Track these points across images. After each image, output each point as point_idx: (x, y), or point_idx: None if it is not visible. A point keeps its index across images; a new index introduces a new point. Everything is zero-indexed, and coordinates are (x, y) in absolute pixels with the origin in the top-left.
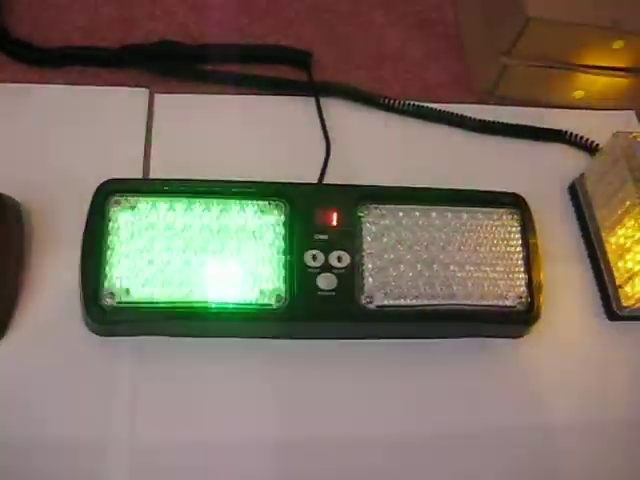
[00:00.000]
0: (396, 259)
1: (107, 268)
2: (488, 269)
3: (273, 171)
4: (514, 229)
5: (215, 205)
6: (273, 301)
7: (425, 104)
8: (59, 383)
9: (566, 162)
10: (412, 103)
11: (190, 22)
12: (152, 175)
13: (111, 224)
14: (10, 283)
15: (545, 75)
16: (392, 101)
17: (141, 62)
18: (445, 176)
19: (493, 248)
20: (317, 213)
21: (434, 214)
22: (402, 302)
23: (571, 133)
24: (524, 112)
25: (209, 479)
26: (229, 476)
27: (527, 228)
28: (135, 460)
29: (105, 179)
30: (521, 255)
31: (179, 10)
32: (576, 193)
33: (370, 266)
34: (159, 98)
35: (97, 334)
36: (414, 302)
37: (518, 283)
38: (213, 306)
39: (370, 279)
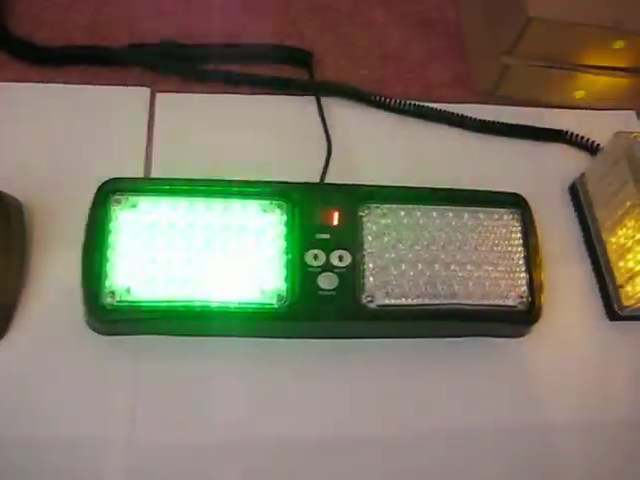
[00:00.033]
0: (397, 258)
1: (108, 267)
2: (489, 269)
3: (274, 170)
4: (515, 229)
5: (216, 204)
6: (274, 300)
7: (426, 104)
8: (60, 382)
9: (567, 162)
10: (413, 103)
11: (191, 22)
12: (153, 174)
13: (112, 223)
14: (12, 282)
15: (546, 75)
16: (393, 101)
17: (143, 61)
18: (446, 176)
19: (494, 248)
20: (318, 212)
21: (435, 214)
22: (403, 301)
23: (572, 133)
24: (525, 112)
25: (210, 479)
26: (230, 476)
27: (528, 228)
28: (136, 458)
29: (106, 178)
30: (522, 255)
31: (180, 10)
32: (577, 193)
33: (371, 265)
34: (160, 97)
35: (98, 333)
36: (415, 301)
37: (519, 283)
38: (214, 305)
39: (371, 278)
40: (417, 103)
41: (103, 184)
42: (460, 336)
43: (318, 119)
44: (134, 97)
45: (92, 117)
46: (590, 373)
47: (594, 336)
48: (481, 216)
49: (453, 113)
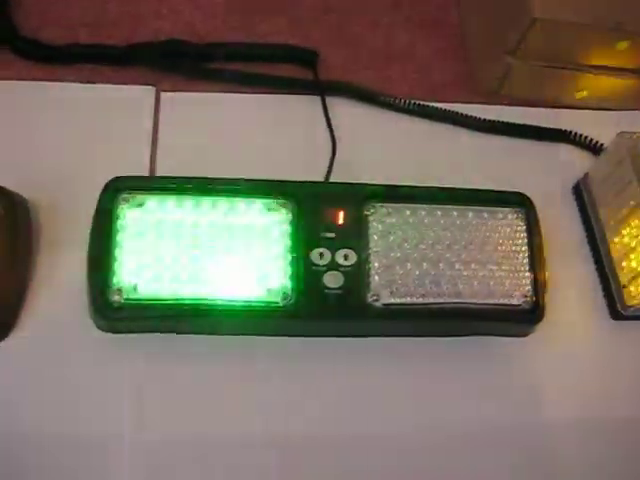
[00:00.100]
0: (402, 257)
1: (115, 265)
2: (494, 268)
3: (279, 169)
4: (519, 228)
5: (222, 203)
6: (280, 299)
7: (430, 104)
8: (66, 380)
9: (570, 162)
10: (417, 103)
11: (196, 21)
12: (158, 173)
13: (119, 221)
14: (18, 280)
15: (550, 75)
16: (398, 100)
17: (148, 60)
18: (450, 175)
19: (498, 247)
20: (324, 211)
21: (440, 213)
22: (408, 300)
23: (575, 133)
24: (529, 112)
25: (215, 477)
26: (235, 474)
27: (532, 227)
28: (141, 456)
29: (111, 176)
30: (526, 254)
31: (185, 9)
32: (580, 193)
33: (376, 264)
34: (166, 96)
35: (104, 331)
36: (420, 300)
37: (523, 282)
38: (220, 303)
39: (376, 277)
40: (422, 103)
41: (109, 182)
42: (464, 335)
43: (323, 118)
44: (139, 96)
45: (97, 116)
46: (593, 372)
47: (597, 335)
48: (486, 215)
49: (457, 113)
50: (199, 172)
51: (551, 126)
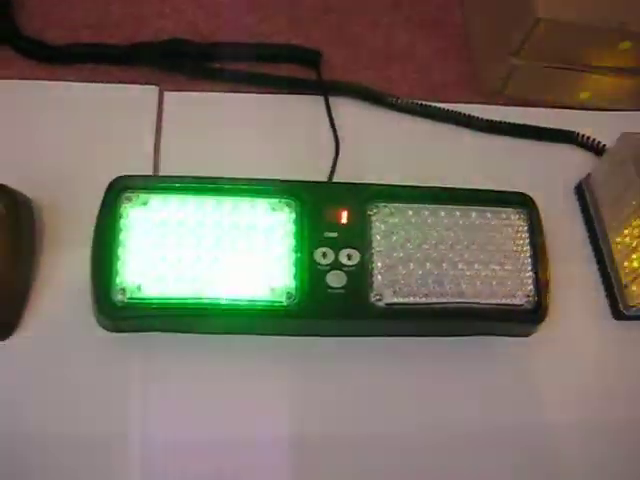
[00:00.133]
0: (405, 257)
1: (118, 264)
2: (496, 268)
3: (282, 169)
4: (522, 228)
5: (226, 202)
6: (283, 298)
7: (433, 104)
8: (70, 379)
9: (573, 162)
10: (421, 103)
11: (199, 20)
12: (162, 172)
13: (122, 220)
14: (21, 279)
15: (553, 75)
16: (401, 100)
17: (151, 60)
18: (454, 175)
19: (501, 247)
20: (327, 211)
21: (443, 213)
22: (411, 300)
23: (578, 133)
24: (532, 112)
25: (219, 477)
26: (240, 474)
27: (535, 227)
28: (145, 456)
29: (114, 176)
30: (529, 254)
31: (188, 8)
32: (583, 193)
33: (379, 264)
34: (169, 96)
35: (108, 330)
36: (423, 300)
37: (526, 282)
38: (223, 303)
39: (379, 277)
40: (424, 103)
41: (113, 182)
42: (467, 335)
43: (326, 118)
44: (142, 95)
45: (101, 115)
46: (595, 372)
47: (599, 335)
48: (488, 215)
49: (460, 113)
50: (202, 172)
51: (554, 126)
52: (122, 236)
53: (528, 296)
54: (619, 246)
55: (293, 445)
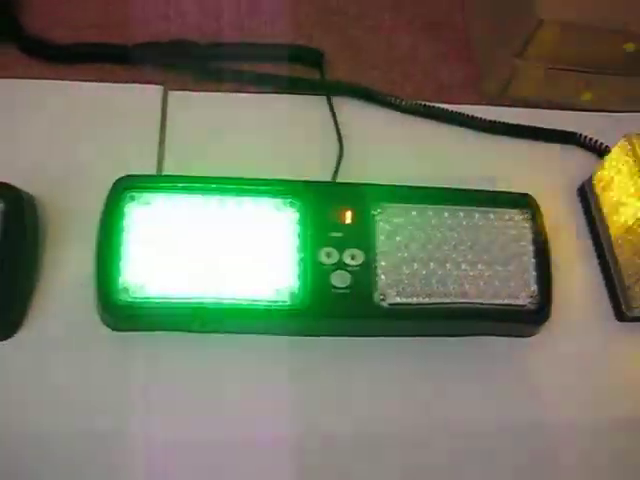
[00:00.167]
0: (409, 257)
1: (122, 264)
2: (499, 268)
3: (286, 169)
4: (525, 229)
5: (230, 202)
6: (287, 298)
7: (437, 105)
8: (73, 378)
9: (576, 164)
10: (424, 103)
11: (203, 21)
12: (166, 172)
13: (126, 220)
14: (25, 278)
15: (556, 77)
16: (404, 101)
17: (156, 60)
18: (457, 176)
19: (504, 248)
20: (331, 211)
21: (446, 214)
22: (414, 300)
23: (581, 135)
24: (535, 114)
25: (223, 476)
26: (242, 474)
27: (538, 228)
28: (148, 455)
29: (118, 175)
30: (532, 255)
31: (192, 9)
32: (585, 194)
33: (383, 264)
34: (173, 96)
35: (111, 329)
36: (426, 300)
37: (529, 282)
38: (227, 303)
39: (383, 277)
40: (428, 104)
41: (118, 181)
42: (470, 335)
43: (329, 119)
44: (147, 95)
45: (105, 115)
46: (598, 373)
47: (602, 337)
48: (492, 216)
49: (463, 114)
50: (206, 171)
51: (557, 128)
52: (126, 235)
53: (531, 297)
54: (622, 247)
55: (295, 445)
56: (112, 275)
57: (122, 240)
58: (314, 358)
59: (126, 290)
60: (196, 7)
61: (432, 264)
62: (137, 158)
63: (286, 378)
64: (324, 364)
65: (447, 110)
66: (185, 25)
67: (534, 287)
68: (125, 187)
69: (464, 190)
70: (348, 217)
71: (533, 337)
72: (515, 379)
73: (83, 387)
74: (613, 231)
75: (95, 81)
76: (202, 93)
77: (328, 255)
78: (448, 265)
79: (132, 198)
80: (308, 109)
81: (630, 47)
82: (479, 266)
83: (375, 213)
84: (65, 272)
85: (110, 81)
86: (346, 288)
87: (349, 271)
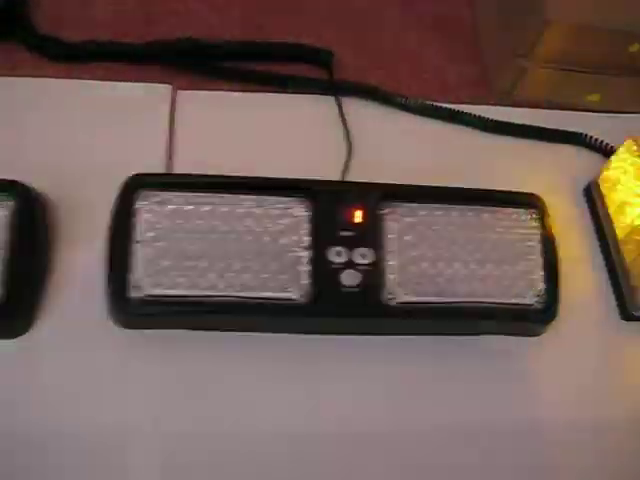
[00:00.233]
0: (418, 257)
1: (133, 261)
2: (507, 268)
3: (294, 169)
4: (533, 229)
5: (240, 200)
6: (297, 297)
7: (444, 105)
8: (84, 375)
9: (582, 164)
10: (431, 103)
11: (212, 20)
12: (175, 171)
13: (137, 218)
14: (36, 276)
15: (562, 77)
16: (412, 101)
17: (165, 59)
18: (464, 176)
19: (512, 247)
20: (341, 210)
21: (455, 213)
22: (423, 299)
23: (587, 135)
24: (541, 114)
25: (232, 473)
26: (251, 469)
27: (545, 228)
28: (159, 452)
29: (128, 174)
30: (539, 254)
31: (202, 8)
32: (591, 195)
33: (392, 263)
34: (182, 94)
35: (122, 327)
36: (435, 299)
37: (536, 282)
38: (238, 301)
39: (392, 276)
40: (435, 104)
41: (128, 179)
42: (477, 334)
43: (338, 118)
44: (156, 94)
45: (114, 113)
46: (604, 372)
47: (608, 336)
48: (500, 216)
49: (471, 114)
50: (215, 170)
51: (563, 128)
52: (136, 234)
53: (538, 296)
54: (628, 247)
55: (305, 443)
56: (123, 273)
57: (133, 238)
58: (324, 357)
59: (137, 288)
60: (205, 6)
61: (441, 263)
62: (146, 156)
63: (295, 376)
64: (333, 362)
65: (454, 110)
66: (195, 24)
67: (541, 286)
68: (135, 185)
69: (472, 189)
70: (358, 216)
71: (540, 336)
72: (522, 378)
73: (94, 385)
74: (619, 231)
75: (105, 80)
76: (211, 92)
77: (338, 254)
78: (456, 264)
79: (142, 197)
80: (317, 109)
81: (635, 48)
82: (487, 265)
83: (384, 212)
84: (76, 270)
85: (120, 80)
86: (356, 287)
87: (359, 270)
